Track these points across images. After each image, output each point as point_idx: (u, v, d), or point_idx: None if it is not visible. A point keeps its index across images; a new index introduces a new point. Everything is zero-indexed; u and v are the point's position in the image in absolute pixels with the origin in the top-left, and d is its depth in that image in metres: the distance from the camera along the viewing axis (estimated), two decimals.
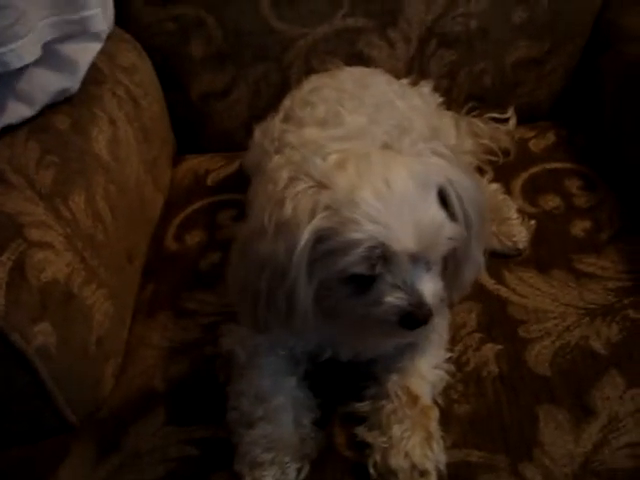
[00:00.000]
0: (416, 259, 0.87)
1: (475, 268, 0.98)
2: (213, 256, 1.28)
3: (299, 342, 1.03)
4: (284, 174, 0.92)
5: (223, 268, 1.18)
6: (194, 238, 1.33)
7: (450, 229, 0.90)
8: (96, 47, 1.26)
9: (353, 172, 0.88)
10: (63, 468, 1.00)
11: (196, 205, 1.40)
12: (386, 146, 1.00)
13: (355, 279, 0.87)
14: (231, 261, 0.95)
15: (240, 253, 0.92)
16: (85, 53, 1.23)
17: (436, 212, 0.89)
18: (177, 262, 1.29)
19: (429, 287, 0.89)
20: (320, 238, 0.86)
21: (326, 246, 0.86)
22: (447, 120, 1.36)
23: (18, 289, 0.93)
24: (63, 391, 0.99)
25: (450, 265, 0.95)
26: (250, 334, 1.03)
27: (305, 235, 0.85)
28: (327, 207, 0.86)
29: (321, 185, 0.87)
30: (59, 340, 0.98)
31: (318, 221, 0.85)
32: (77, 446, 1.03)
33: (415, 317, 0.87)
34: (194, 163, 1.53)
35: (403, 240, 0.85)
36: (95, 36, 1.25)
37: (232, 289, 0.96)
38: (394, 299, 0.87)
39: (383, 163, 0.90)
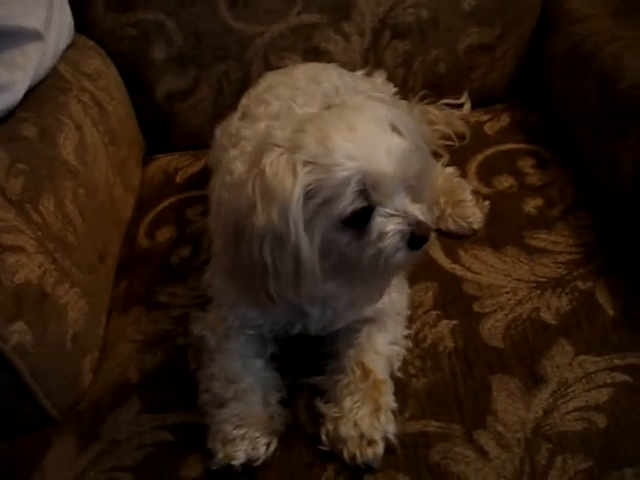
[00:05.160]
0: (398, 186, 0.93)
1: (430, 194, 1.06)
2: (183, 251, 1.33)
3: (269, 319, 1.07)
4: (239, 165, 0.97)
5: (192, 262, 1.25)
6: (165, 234, 1.38)
7: (416, 155, 0.96)
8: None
9: (314, 129, 0.93)
10: (47, 459, 1.05)
11: (166, 202, 1.45)
12: (328, 105, 1.05)
13: (353, 222, 0.92)
14: (226, 251, 0.99)
15: (235, 238, 0.94)
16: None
17: (399, 140, 0.94)
18: (149, 258, 1.34)
19: (417, 207, 0.95)
20: (308, 194, 0.90)
21: (317, 200, 0.90)
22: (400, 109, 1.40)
23: None
24: (42, 386, 1.06)
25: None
26: (219, 319, 1.09)
27: (295, 194, 0.89)
28: (305, 163, 0.90)
29: (291, 148, 0.92)
30: (35, 338, 1.03)
31: (302, 177, 0.89)
32: (58, 438, 1.08)
33: (418, 235, 0.94)
34: (163, 162, 1.58)
35: (384, 166, 0.91)
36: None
37: (235, 276, 0.99)
38: (395, 225, 0.93)
39: (336, 114, 0.96)
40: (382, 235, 0.93)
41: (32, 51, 1.24)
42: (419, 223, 0.94)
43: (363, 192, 0.90)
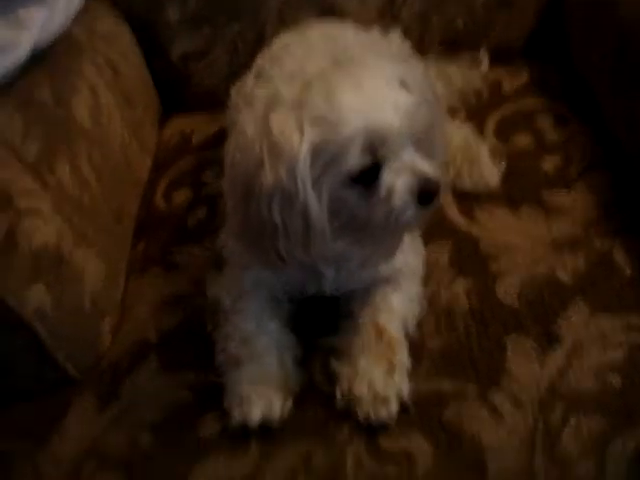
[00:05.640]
0: (406, 141, 0.93)
1: (442, 150, 1.04)
2: (199, 212, 1.33)
3: (282, 280, 1.08)
4: (251, 126, 0.96)
5: (208, 223, 1.25)
6: (181, 196, 1.39)
7: (424, 109, 0.95)
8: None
9: (321, 86, 0.93)
10: (67, 419, 1.07)
11: (182, 164, 1.45)
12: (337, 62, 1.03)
13: (361, 179, 0.92)
14: (237, 212, 0.99)
15: (244, 199, 0.94)
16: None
17: (407, 95, 0.94)
18: (166, 220, 1.35)
19: (427, 163, 0.95)
20: (316, 152, 0.90)
21: (324, 157, 0.90)
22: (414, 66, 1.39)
23: (10, 255, 1.00)
24: (62, 348, 1.08)
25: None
26: (233, 281, 1.10)
27: (302, 151, 0.89)
28: (312, 120, 0.90)
29: (298, 106, 0.92)
30: (53, 301, 1.05)
31: (309, 135, 0.90)
32: (79, 398, 1.10)
33: (427, 190, 0.93)
34: (180, 123, 1.58)
35: (390, 120, 0.91)
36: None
37: (246, 237, 1.00)
38: (403, 181, 0.92)
39: (343, 71, 0.96)
40: (391, 191, 0.92)
41: (36, 11, 1.23)
42: (428, 178, 0.93)
43: (370, 148, 0.90)
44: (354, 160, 0.90)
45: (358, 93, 0.91)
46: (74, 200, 1.16)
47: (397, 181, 0.92)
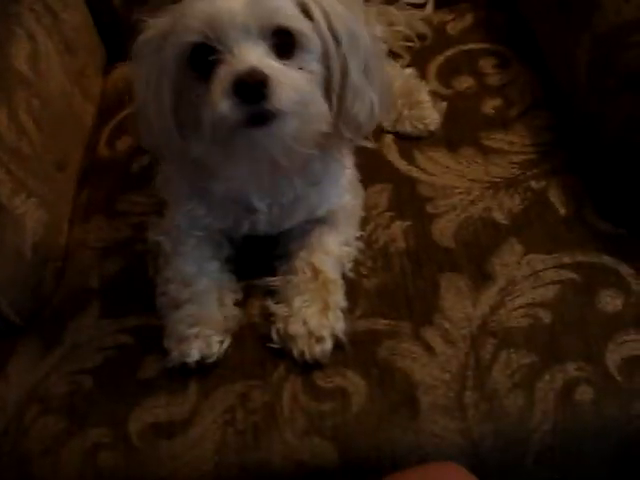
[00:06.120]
0: (248, 33, 0.88)
1: (366, 105, 0.97)
2: (142, 159, 1.32)
3: (217, 218, 1.08)
4: None
5: (151, 170, 1.26)
6: (125, 143, 1.38)
7: (292, 12, 0.91)
8: None
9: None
10: (10, 366, 1.09)
11: (126, 111, 1.43)
12: None
13: (199, 68, 0.90)
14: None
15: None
16: None
17: None
18: (110, 167, 1.35)
19: (259, 54, 0.88)
20: (164, 37, 0.92)
21: (171, 42, 0.91)
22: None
23: None
24: (4, 295, 1.08)
25: (332, 95, 0.96)
26: (171, 222, 1.11)
27: (149, 35, 0.94)
28: (168, 14, 0.93)
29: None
30: None
31: (160, 23, 0.93)
32: (22, 345, 1.11)
33: (245, 81, 0.85)
34: (125, 71, 1.55)
35: (226, 5, 0.87)
36: None
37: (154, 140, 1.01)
38: (224, 68, 0.87)
39: None
40: (215, 79, 0.87)
41: None
42: (249, 68, 0.86)
43: (206, 32, 0.88)
44: (187, 37, 0.89)
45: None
46: (12, 149, 1.14)
47: (221, 70, 0.87)
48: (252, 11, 0.87)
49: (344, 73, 0.95)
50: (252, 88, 0.85)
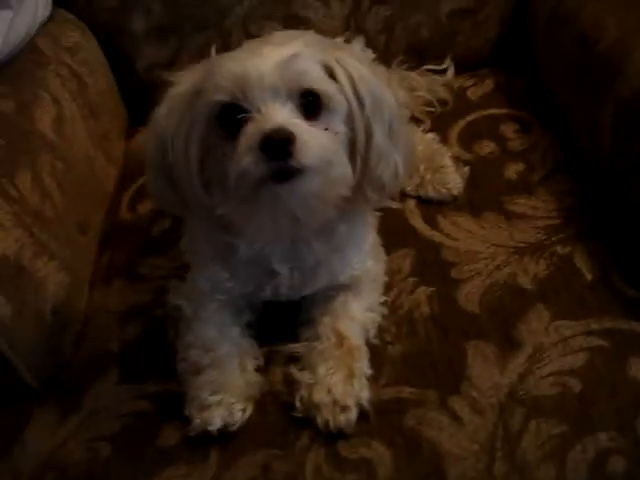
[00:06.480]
0: (275, 93, 0.89)
1: (391, 166, 0.97)
2: (163, 223, 1.33)
3: (239, 281, 1.07)
4: None
5: (173, 233, 1.26)
6: (146, 207, 1.38)
7: (318, 74, 0.92)
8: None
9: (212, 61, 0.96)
10: (27, 431, 1.06)
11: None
12: None
13: (227, 127, 0.90)
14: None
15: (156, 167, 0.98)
16: None
17: (288, 49, 0.91)
18: (131, 230, 1.35)
19: (294, 121, 0.89)
20: (195, 93, 0.92)
21: (200, 99, 0.91)
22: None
23: None
24: (23, 359, 1.07)
25: (357, 156, 0.96)
26: (193, 284, 1.10)
27: (180, 91, 0.94)
28: (199, 72, 0.95)
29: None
30: (13, 311, 1.04)
31: (190, 77, 0.95)
32: (40, 410, 1.09)
33: (272, 138, 0.86)
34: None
35: (254, 67, 0.88)
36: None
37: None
38: (252, 126, 0.88)
39: (245, 46, 0.96)
40: (242, 136, 0.88)
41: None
42: (279, 129, 0.86)
43: (234, 91, 0.89)
44: (217, 97, 0.89)
45: (245, 51, 0.92)
46: (35, 211, 1.15)
47: (250, 128, 0.88)
48: (280, 73, 0.88)
49: (369, 134, 0.95)
50: (278, 144, 0.86)
